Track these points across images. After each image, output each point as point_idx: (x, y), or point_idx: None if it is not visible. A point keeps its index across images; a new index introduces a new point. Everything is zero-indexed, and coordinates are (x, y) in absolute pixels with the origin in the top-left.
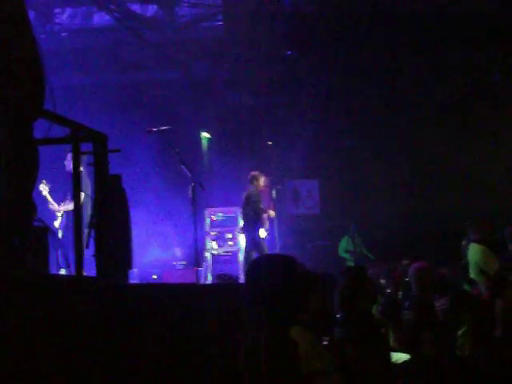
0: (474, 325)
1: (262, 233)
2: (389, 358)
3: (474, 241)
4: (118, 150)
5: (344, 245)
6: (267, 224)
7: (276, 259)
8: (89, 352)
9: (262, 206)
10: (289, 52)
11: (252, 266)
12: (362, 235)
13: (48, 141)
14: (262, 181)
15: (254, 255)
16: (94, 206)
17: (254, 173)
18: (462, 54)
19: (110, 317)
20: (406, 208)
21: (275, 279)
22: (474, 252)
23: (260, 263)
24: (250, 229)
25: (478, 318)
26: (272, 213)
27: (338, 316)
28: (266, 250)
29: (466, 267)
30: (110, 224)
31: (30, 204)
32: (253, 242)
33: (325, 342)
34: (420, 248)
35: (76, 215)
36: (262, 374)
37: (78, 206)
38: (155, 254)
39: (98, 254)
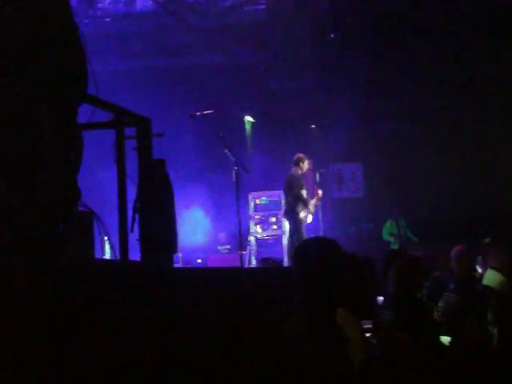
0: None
1: (309, 218)
2: (438, 341)
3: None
4: (162, 135)
5: (388, 228)
6: (312, 209)
7: (320, 243)
8: (134, 337)
9: (303, 190)
10: (331, 35)
11: (297, 249)
12: (406, 218)
13: (91, 125)
14: (306, 163)
15: (297, 240)
16: (138, 190)
17: (299, 155)
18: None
19: (155, 301)
20: (451, 191)
21: (321, 262)
22: None
23: (305, 247)
24: (291, 213)
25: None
26: (311, 206)
27: (379, 299)
28: (304, 236)
29: None
30: (154, 208)
31: (74, 189)
32: (293, 226)
33: (368, 325)
34: (464, 232)
35: (120, 200)
36: (307, 357)
37: (123, 191)
38: (199, 238)
39: (143, 239)
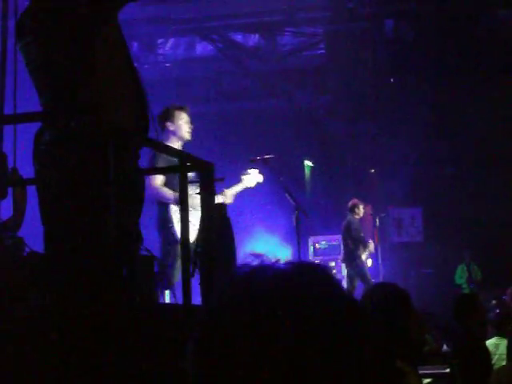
0: None
1: (368, 262)
2: None
3: None
4: (223, 179)
5: (459, 273)
6: (371, 249)
7: (389, 290)
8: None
9: (362, 234)
10: (391, 79)
11: (365, 295)
12: (477, 262)
13: (155, 170)
14: (361, 209)
15: (357, 285)
16: (200, 234)
17: (354, 201)
18: None
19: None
20: None
21: (388, 310)
22: None
23: (373, 292)
24: (351, 258)
25: None
26: (371, 247)
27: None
28: (369, 278)
29: None
30: (215, 253)
31: (136, 233)
32: (354, 271)
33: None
34: None
35: (183, 244)
36: None
37: (186, 236)
38: None
39: (204, 283)
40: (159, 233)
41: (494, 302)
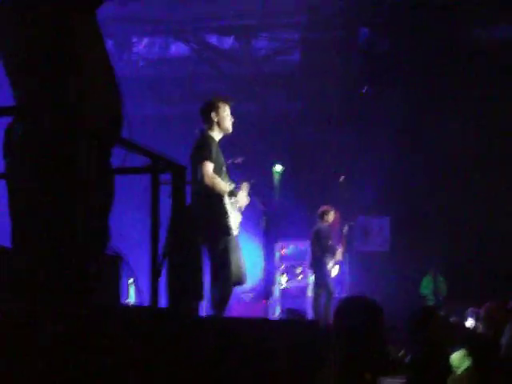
0: None
1: (335, 270)
2: None
3: None
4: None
5: (425, 284)
6: (338, 257)
7: (361, 303)
8: None
9: (330, 242)
10: (364, 88)
11: (338, 307)
12: (444, 275)
13: (126, 170)
14: (331, 215)
15: (322, 293)
16: (168, 236)
17: (323, 207)
18: None
19: (182, 349)
20: (481, 248)
21: (360, 323)
22: None
23: (345, 305)
24: (317, 265)
25: None
26: (339, 255)
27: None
28: (331, 288)
29: None
30: (182, 255)
31: (105, 233)
32: (319, 279)
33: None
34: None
35: (153, 246)
36: None
37: (155, 237)
38: None
39: (171, 285)
40: (211, 224)
41: (470, 309)
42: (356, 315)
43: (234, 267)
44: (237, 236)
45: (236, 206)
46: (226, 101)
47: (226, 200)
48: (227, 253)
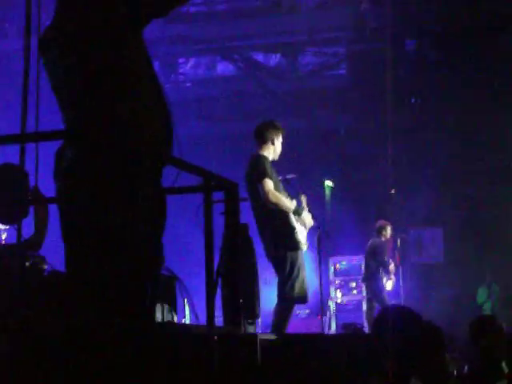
0: None
1: (389, 285)
2: None
3: None
4: (247, 199)
5: (480, 294)
6: (392, 274)
7: (402, 313)
8: None
9: (386, 258)
10: (413, 99)
11: (378, 318)
12: (499, 283)
13: (179, 190)
14: (389, 230)
15: (376, 306)
16: (223, 254)
17: (381, 222)
18: None
19: (241, 368)
20: None
21: (399, 333)
22: None
23: (386, 316)
24: (372, 280)
25: None
26: (393, 269)
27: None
28: (386, 302)
29: None
30: (238, 273)
31: (160, 253)
32: (374, 293)
33: None
34: None
35: (208, 265)
36: None
37: (210, 256)
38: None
39: (226, 303)
40: (279, 240)
41: None
42: (392, 323)
43: (299, 284)
44: (303, 252)
45: (302, 223)
46: (282, 129)
47: (292, 216)
48: (296, 268)
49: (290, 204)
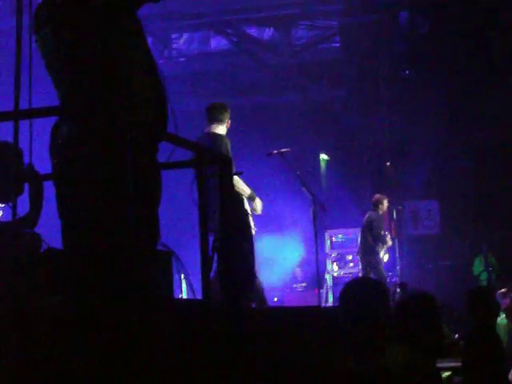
0: None
1: (385, 257)
2: None
3: None
4: (241, 173)
5: (477, 264)
6: (389, 243)
7: (368, 285)
8: (217, 378)
9: (383, 231)
10: (406, 71)
11: (344, 288)
12: (495, 254)
13: (172, 164)
14: (385, 204)
15: (372, 278)
16: (217, 229)
17: (377, 196)
18: None
19: (236, 341)
20: None
21: (365, 304)
22: None
23: (352, 287)
24: (369, 253)
25: None
26: (389, 242)
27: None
28: (384, 275)
29: None
30: (233, 247)
31: (154, 228)
32: (369, 265)
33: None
34: None
35: (202, 240)
36: None
37: (204, 230)
38: (275, 276)
39: (221, 278)
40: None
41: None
42: (357, 296)
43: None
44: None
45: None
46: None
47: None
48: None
49: (247, 188)
